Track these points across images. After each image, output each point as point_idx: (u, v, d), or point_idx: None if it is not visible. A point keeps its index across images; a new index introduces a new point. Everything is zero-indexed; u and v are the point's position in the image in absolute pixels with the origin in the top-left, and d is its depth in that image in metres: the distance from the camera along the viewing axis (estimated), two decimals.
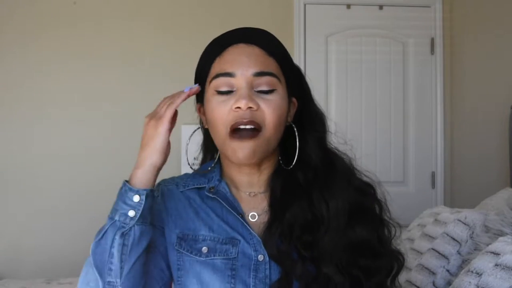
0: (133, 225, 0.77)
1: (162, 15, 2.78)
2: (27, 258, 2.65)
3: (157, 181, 0.96)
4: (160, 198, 0.90)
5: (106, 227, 0.78)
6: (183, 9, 2.80)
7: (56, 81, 2.70)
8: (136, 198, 0.78)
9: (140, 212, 0.77)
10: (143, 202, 0.78)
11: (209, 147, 0.97)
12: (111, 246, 0.77)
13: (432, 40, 2.90)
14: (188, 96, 0.85)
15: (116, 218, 0.78)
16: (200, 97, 0.90)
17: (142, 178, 0.79)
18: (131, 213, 0.77)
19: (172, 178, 0.95)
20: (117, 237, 0.77)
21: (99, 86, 2.74)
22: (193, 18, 2.78)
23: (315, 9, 2.86)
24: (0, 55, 2.69)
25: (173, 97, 0.85)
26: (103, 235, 0.78)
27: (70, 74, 2.72)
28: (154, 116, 0.82)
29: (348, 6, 2.86)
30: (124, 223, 0.77)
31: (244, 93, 0.81)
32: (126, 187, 0.79)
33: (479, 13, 2.68)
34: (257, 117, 0.81)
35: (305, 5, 2.84)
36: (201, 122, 0.95)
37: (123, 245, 0.77)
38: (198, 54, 0.92)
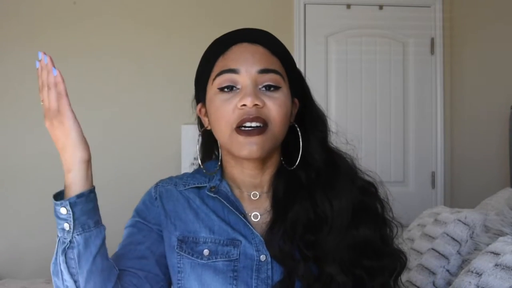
0: (72, 237, 0.74)
1: (162, 15, 2.78)
2: (27, 258, 2.65)
3: (155, 181, 0.95)
4: (158, 200, 0.89)
5: (56, 247, 0.76)
6: (183, 9, 2.80)
7: None
8: (63, 211, 0.73)
9: (73, 222, 0.73)
10: (71, 213, 0.73)
11: (208, 149, 0.97)
12: (59, 265, 0.75)
13: (432, 40, 2.90)
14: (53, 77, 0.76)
15: (59, 234, 0.75)
16: (201, 98, 0.89)
17: (76, 181, 0.75)
18: (66, 226, 0.74)
19: (170, 178, 0.94)
20: (59, 254, 0.75)
21: (99, 85, 2.74)
22: (194, 18, 2.78)
23: (315, 9, 2.86)
24: (0, 55, 2.70)
25: (43, 82, 0.77)
26: (55, 255, 0.76)
27: (69, 73, 2.71)
28: (51, 115, 0.75)
29: (348, 6, 2.86)
30: (65, 238, 0.74)
31: (249, 91, 0.80)
32: (53, 201, 0.75)
33: (479, 13, 2.68)
34: (263, 113, 0.80)
35: (305, 5, 2.84)
36: (199, 124, 0.95)
37: (69, 259, 0.74)
38: (198, 54, 0.92)
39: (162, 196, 0.90)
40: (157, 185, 0.93)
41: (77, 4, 2.74)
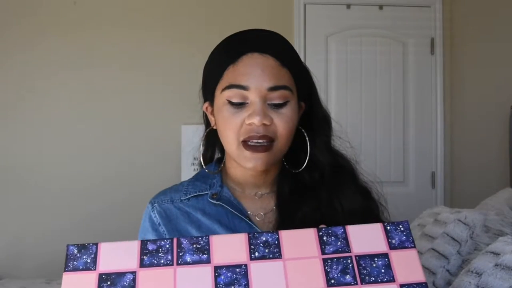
0: None
1: (162, 16, 2.78)
2: (27, 258, 2.65)
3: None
4: (161, 226, 0.88)
5: None
6: (182, 8, 2.80)
7: (56, 80, 2.70)
8: None
9: None
10: None
11: (212, 144, 0.97)
12: None
13: (432, 40, 2.90)
14: None
15: None
16: (208, 98, 0.89)
17: None
18: None
19: (164, 193, 0.92)
20: None
21: (100, 85, 2.74)
22: (193, 18, 2.78)
23: (315, 9, 2.86)
24: (0, 56, 2.70)
25: None
26: None
27: (69, 73, 2.72)
28: None
29: (348, 6, 2.86)
30: None
31: (258, 109, 0.80)
32: None
33: (479, 13, 2.68)
34: (270, 131, 0.81)
35: (305, 5, 2.85)
36: (205, 121, 0.95)
37: None
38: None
39: (162, 217, 0.89)
40: (153, 206, 0.90)
41: (77, 4, 2.74)
